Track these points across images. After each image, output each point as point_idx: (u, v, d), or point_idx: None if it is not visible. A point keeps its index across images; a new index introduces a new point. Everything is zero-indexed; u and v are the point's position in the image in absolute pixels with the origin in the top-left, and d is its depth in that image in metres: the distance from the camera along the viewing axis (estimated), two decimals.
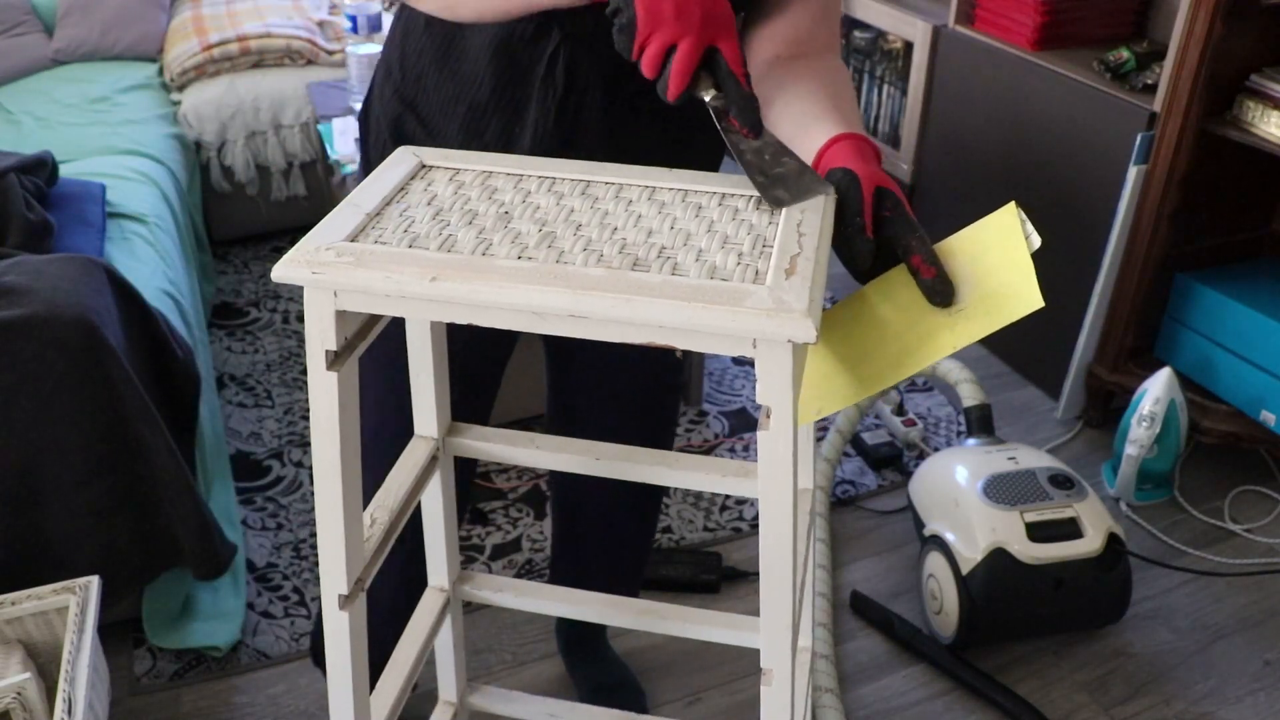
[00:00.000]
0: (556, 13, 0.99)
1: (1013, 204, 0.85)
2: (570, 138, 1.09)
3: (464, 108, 1.11)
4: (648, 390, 1.43)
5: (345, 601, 0.90)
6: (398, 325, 1.06)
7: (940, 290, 0.83)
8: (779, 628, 0.85)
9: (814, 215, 0.83)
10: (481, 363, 1.30)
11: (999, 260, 0.83)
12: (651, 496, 1.55)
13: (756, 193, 0.87)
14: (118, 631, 1.77)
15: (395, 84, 1.17)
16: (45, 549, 1.60)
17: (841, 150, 0.89)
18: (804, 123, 0.94)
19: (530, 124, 1.09)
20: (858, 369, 0.87)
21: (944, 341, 0.83)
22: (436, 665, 1.28)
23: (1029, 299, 0.80)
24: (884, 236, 0.85)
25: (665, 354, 1.39)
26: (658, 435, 1.46)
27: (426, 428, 1.09)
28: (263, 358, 2.55)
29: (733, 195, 0.88)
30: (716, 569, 1.92)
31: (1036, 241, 0.83)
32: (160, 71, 3.05)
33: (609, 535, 1.57)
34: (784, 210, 0.84)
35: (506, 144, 1.11)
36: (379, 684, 1.07)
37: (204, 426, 1.92)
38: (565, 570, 1.63)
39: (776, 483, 0.79)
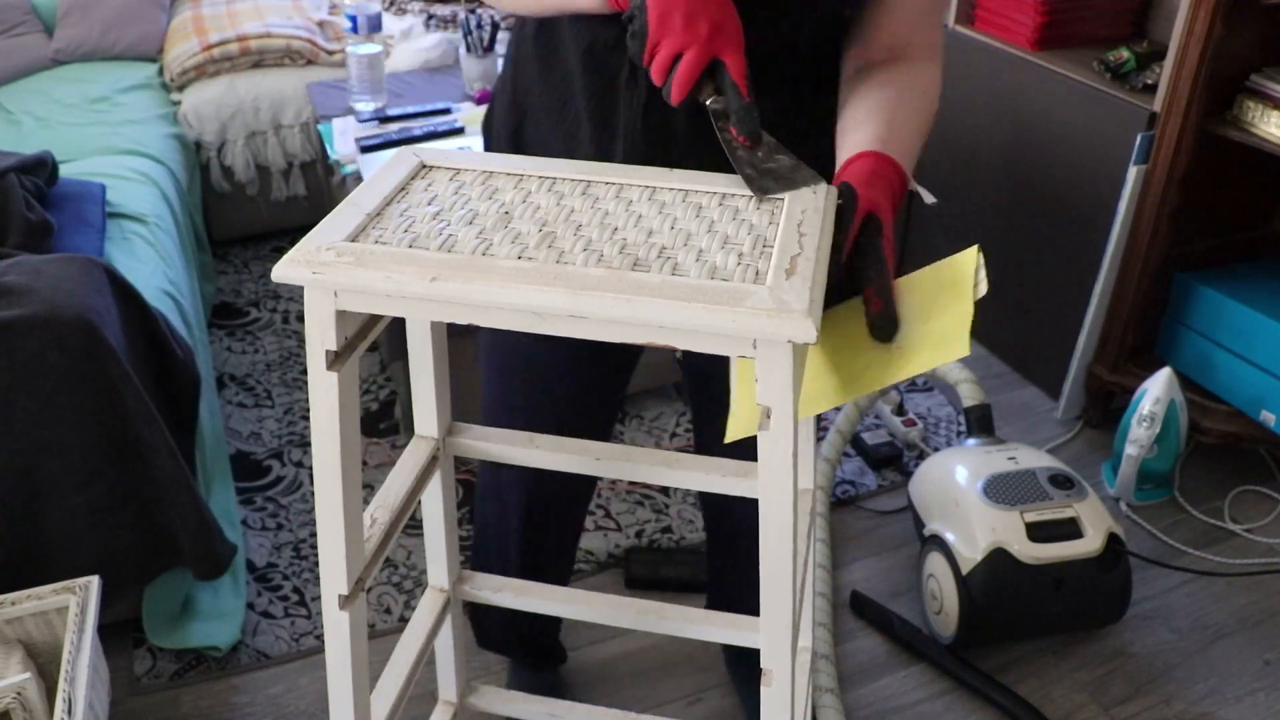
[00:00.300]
0: None
1: (975, 248, 0.85)
2: (659, 141, 1.07)
3: (567, 119, 1.11)
4: None
5: (345, 601, 0.90)
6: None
7: (881, 326, 0.84)
8: (779, 627, 0.85)
9: (814, 215, 0.83)
10: (607, 384, 1.33)
11: (945, 304, 0.84)
12: None
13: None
14: (118, 631, 1.77)
15: (511, 94, 1.17)
16: (45, 549, 1.60)
17: (859, 167, 0.90)
18: (845, 132, 0.96)
19: (621, 133, 1.08)
20: (807, 385, 0.89)
21: (880, 375, 0.85)
22: (436, 665, 1.28)
23: (956, 348, 0.81)
24: (853, 263, 0.87)
25: None
26: None
27: (427, 428, 1.09)
28: (263, 358, 2.55)
29: (733, 195, 0.88)
30: None
31: (983, 289, 0.83)
32: (160, 71, 3.04)
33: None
34: (784, 210, 0.84)
35: (602, 153, 1.10)
36: (379, 683, 1.07)
37: (204, 426, 1.92)
38: (720, 595, 1.64)
39: (777, 483, 0.79)
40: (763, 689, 0.89)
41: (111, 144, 2.53)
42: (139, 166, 2.43)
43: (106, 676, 1.63)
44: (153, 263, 2.07)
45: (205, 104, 2.82)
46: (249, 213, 2.98)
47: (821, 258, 0.79)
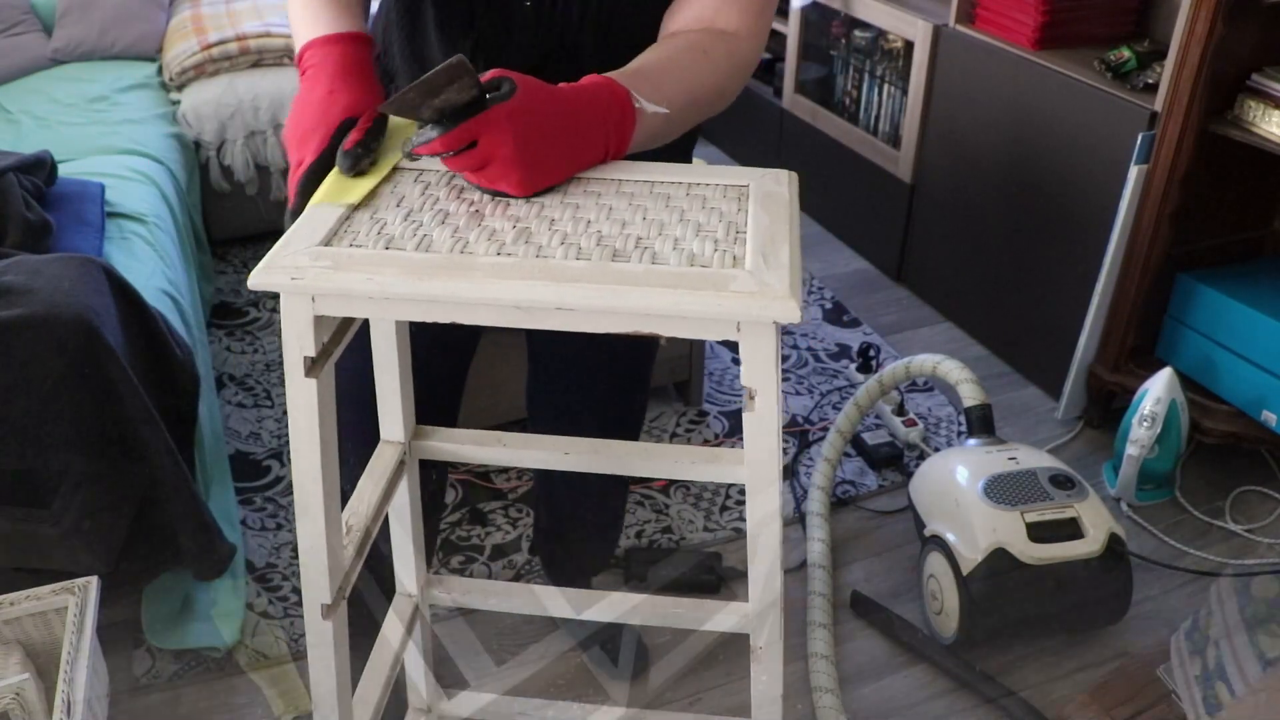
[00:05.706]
0: (475, 10, 1.04)
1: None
2: None
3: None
4: (622, 384, 1.44)
5: (328, 611, 0.89)
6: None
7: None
8: (768, 608, 0.86)
9: (781, 201, 0.84)
10: (445, 367, 1.33)
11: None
12: (616, 482, 1.60)
13: (722, 182, 0.89)
14: (117, 631, 1.78)
15: (376, 56, 1.18)
16: (45, 549, 1.60)
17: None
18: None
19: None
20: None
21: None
22: (406, 671, 1.27)
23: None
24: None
25: (646, 345, 1.42)
26: (627, 425, 1.49)
27: (393, 432, 1.08)
28: (262, 358, 2.55)
29: (699, 185, 0.89)
30: (716, 569, 1.92)
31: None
32: (159, 71, 3.05)
33: (582, 519, 1.64)
34: (751, 197, 0.86)
35: None
36: (358, 692, 1.07)
37: (203, 427, 1.92)
38: (547, 551, 1.73)
39: (763, 464, 0.80)
40: (754, 666, 0.89)
41: (110, 143, 2.53)
42: (138, 166, 2.43)
43: (106, 677, 1.63)
44: (152, 262, 2.07)
45: (204, 103, 2.82)
46: (248, 212, 2.98)
47: (794, 241, 0.79)
